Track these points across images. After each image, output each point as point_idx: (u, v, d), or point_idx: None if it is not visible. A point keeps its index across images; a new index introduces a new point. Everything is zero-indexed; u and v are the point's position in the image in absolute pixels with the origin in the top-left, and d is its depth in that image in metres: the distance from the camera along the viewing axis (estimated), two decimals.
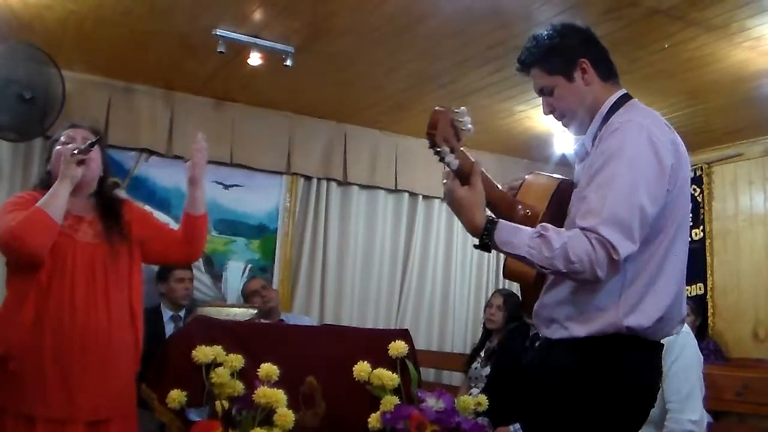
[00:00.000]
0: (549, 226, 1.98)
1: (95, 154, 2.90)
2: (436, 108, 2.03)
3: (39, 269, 2.69)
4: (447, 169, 2.07)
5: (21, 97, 4.68)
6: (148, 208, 5.52)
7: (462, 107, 2.06)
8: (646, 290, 2.03)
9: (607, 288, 2.02)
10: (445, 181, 2.10)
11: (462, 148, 2.07)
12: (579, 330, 2.06)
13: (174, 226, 5.66)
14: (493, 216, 2.08)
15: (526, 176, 2.33)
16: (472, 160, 2.10)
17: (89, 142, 2.82)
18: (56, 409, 2.63)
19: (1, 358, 2.69)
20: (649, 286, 2.04)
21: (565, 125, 2.30)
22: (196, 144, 3.08)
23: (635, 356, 2.05)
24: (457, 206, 2.08)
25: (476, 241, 2.07)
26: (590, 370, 2.04)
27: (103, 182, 3.02)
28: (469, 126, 2.07)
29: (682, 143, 2.14)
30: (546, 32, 2.24)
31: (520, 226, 2.03)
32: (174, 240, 3.13)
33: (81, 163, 2.78)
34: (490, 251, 2.07)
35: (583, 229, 1.93)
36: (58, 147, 2.89)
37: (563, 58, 2.20)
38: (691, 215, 2.28)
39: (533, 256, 1.95)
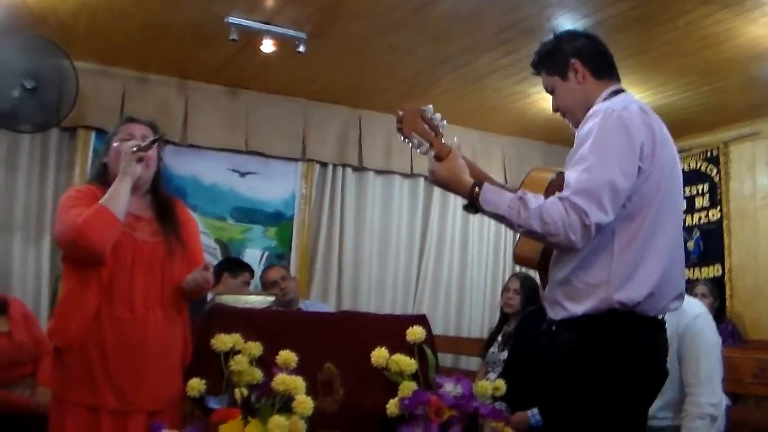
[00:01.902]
0: (529, 192, 2.19)
1: (153, 151, 2.90)
2: (404, 106, 2.29)
3: (101, 266, 2.71)
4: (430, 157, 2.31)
5: (23, 87, 4.71)
6: None
7: (429, 105, 2.30)
8: (635, 265, 2.17)
9: (598, 265, 2.19)
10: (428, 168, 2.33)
11: (442, 140, 2.30)
12: (576, 308, 2.21)
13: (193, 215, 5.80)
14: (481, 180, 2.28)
15: (530, 171, 2.52)
16: (450, 146, 2.31)
17: (151, 139, 2.83)
18: (123, 400, 2.67)
19: (58, 351, 2.73)
20: (638, 261, 2.18)
21: (569, 121, 2.49)
22: (207, 278, 2.86)
23: (633, 333, 2.19)
24: (443, 180, 2.30)
25: (464, 202, 2.29)
26: (591, 347, 2.19)
27: (157, 180, 3.01)
28: (443, 122, 2.31)
29: (663, 127, 2.31)
30: (548, 39, 2.52)
31: (504, 191, 2.24)
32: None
33: (140, 160, 2.79)
34: (476, 212, 2.27)
35: (559, 198, 2.13)
36: (115, 143, 2.88)
37: (558, 60, 2.43)
38: (683, 196, 2.49)
39: (511, 216, 2.15)
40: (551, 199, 2.13)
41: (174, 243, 2.89)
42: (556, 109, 2.51)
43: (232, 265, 5.18)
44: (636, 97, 2.41)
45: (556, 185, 2.32)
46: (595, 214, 2.08)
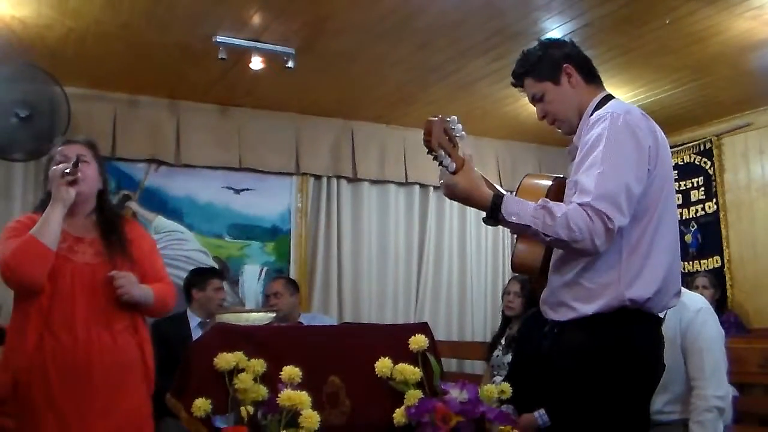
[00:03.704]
0: (550, 200, 2.18)
1: (91, 170, 2.82)
2: (429, 118, 2.21)
3: (39, 295, 2.63)
4: (443, 169, 2.24)
5: (17, 116, 4.72)
6: (161, 218, 5.62)
7: (453, 116, 2.23)
8: (642, 264, 2.22)
9: (607, 265, 2.22)
10: (441, 181, 2.28)
11: (459, 152, 2.24)
12: (587, 308, 2.23)
13: (188, 234, 5.79)
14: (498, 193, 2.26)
15: (523, 179, 2.51)
16: (462, 157, 2.27)
17: (73, 161, 2.72)
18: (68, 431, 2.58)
19: (13, 385, 2.63)
20: (645, 260, 2.23)
21: (558, 127, 2.49)
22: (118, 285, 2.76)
23: (640, 330, 2.25)
24: (462, 193, 2.24)
25: (484, 215, 2.25)
26: (601, 346, 2.22)
27: (103, 197, 2.92)
28: (462, 133, 2.25)
29: (660, 130, 2.35)
30: (533, 47, 2.50)
31: (524, 201, 2.22)
32: None
33: (73, 183, 2.70)
34: (497, 225, 2.25)
35: (579, 204, 2.13)
36: (52, 167, 2.77)
37: (549, 66, 2.43)
38: (678, 195, 2.52)
39: (537, 225, 2.14)
40: (573, 206, 2.14)
41: (120, 262, 2.78)
42: (543, 116, 2.48)
43: (195, 279, 5.05)
44: (626, 97, 2.45)
45: (555, 190, 2.34)
46: (617, 218, 2.12)
